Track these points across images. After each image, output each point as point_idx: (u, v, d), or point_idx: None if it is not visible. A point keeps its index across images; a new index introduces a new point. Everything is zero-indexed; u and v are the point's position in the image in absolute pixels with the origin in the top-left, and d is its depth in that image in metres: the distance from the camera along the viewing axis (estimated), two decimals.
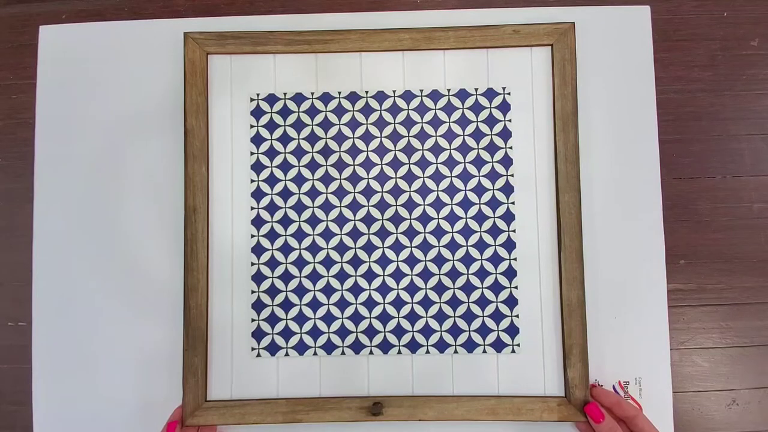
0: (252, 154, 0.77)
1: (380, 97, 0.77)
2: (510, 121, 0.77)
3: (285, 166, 0.77)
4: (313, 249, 0.76)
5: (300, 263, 0.76)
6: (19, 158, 0.80)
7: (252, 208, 0.76)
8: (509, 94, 0.77)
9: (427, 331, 0.75)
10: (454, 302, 0.75)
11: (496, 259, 0.76)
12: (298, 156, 0.77)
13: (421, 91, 0.77)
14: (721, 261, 0.78)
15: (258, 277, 0.76)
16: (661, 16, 0.80)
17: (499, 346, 0.75)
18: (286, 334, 0.75)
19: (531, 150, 0.77)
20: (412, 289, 0.76)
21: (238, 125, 0.77)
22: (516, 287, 0.76)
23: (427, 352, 0.75)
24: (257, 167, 0.77)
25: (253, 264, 0.76)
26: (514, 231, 0.76)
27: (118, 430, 0.75)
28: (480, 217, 0.76)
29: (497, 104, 0.77)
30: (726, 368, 0.78)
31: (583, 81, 0.77)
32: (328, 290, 0.76)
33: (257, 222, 0.76)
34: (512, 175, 0.77)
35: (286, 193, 0.76)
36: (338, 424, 0.74)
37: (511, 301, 0.75)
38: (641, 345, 0.76)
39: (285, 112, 0.77)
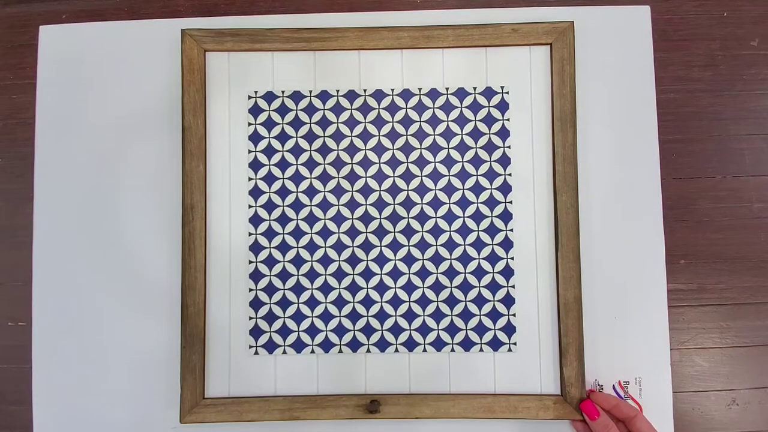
0: (250, 152, 0.77)
1: (378, 95, 0.77)
2: (508, 120, 0.77)
3: (283, 165, 0.77)
4: (312, 248, 0.76)
5: (298, 262, 0.76)
6: (19, 158, 0.80)
7: (250, 206, 0.76)
8: (508, 93, 0.77)
9: (424, 330, 0.75)
10: (451, 301, 0.75)
11: (493, 258, 0.76)
12: (296, 154, 0.77)
13: (420, 89, 0.77)
14: (721, 261, 0.78)
15: (256, 276, 0.76)
16: (661, 16, 0.80)
17: (495, 344, 0.75)
18: (284, 332, 0.75)
19: (529, 149, 0.77)
20: (409, 287, 0.76)
21: (236, 123, 0.77)
22: (513, 286, 0.75)
23: (424, 350, 0.75)
24: (255, 165, 0.77)
25: (251, 262, 0.76)
26: (511, 230, 0.76)
27: (118, 429, 0.76)
28: (478, 217, 0.76)
29: (496, 103, 0.77)
30: (726, 368, 0.77)
31: (583, 81, 0.77)
32: (326, 289, 0.76)
33: (255, 220, 0.76)
34: (510, 175, 0.76)
35: (284, 192, 0.76)
36: (335, 422, 0.74)
37: (508, 300, 0.75)
38: (641, 345, 0.75)
39: (283, 110, 0.77)
